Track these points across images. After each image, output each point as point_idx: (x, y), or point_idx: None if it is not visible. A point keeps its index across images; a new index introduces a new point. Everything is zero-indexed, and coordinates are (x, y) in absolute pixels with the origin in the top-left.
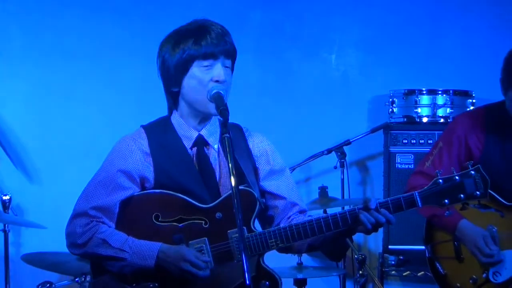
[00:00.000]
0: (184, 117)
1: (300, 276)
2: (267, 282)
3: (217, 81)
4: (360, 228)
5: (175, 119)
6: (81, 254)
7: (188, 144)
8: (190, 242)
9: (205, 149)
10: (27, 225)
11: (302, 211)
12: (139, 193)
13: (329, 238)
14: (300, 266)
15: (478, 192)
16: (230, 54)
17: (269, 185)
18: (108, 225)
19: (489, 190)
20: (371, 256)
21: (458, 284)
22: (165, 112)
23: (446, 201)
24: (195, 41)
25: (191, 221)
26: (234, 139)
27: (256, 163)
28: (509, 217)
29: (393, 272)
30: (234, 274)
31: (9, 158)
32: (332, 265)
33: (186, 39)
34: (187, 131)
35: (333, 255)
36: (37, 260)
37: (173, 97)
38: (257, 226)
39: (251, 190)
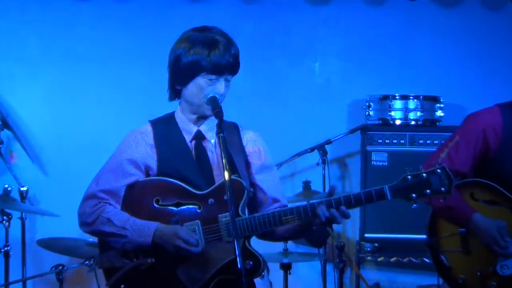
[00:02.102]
0: (185, 113)
1: (285, 260)
2: (251, 262)
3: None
4: (316, 221)
5: (178, 114)
6: (89, 231)
7: (188, 137)
8: (185, 223)
9: (203, 142)
10: (42, 213)
11: (283, 207)
12: (143, 179)
13: (296, 231)
14: (285, 251)
15: (443, 189)
16: (235, 70)
17: (258, 179)
18: (114, 206)
19: (498, 187)
20: (349, 244)
21: (463, 276)
22: (166, 112)
23: (413, 195)
24: (208, 54)
25: (187, 206)
26: (230, 135)
27: (249, 158)
28: None
29: (368, 258)
30: (223, 253)
31: (26, 153)
32: (314, 251)
33: (202, 48)
34: (187, 126)
35: (315, 242)
36: (51, 244)
37: (176, 92)
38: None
39: (240, 180)
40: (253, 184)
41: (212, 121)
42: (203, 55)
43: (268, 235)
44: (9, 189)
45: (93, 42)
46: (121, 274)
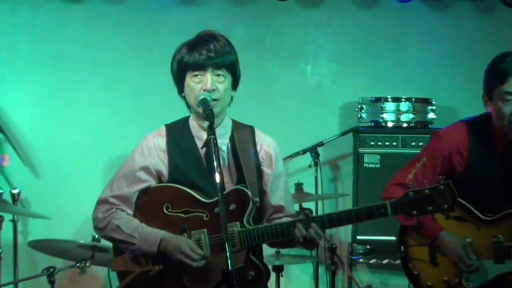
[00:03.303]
0: (195, 120)
1: (277, 263)
2: (253, 273)
3: (205, 90)
4: (295, 240)
5: (191, 120)
6: (101, 236)
7: (199, 144)
8: (192, 232)
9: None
10: (34, 216)
11: (288, 216)
12: (154, 185)
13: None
14: (277, 253)
15: (445, 205)
16: (220, 64)
17: (266, 186)
18: (126, 212)
19: (467, 204)
20: (341, 246)
21: (429, 283)
22: (158, 117)
23: (414, 212)
24: (187, 52)
25: (195, 213)
26: (244, 139)
27: (262, 165)
28: (484, 230)
29: (361, 260)
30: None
31: (18, 156)
32: (307, 253)
33: (183, 49)
34: (199, 132)
35: (307, 244)
36: (42, 247)
37: (185, 100)
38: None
39: (246, 190)
40: (262, 191)
41: (223, 128)
42: (184, 54)
43: (277, 244)
44: (1, 191)
45: (84, 44)
46: (131, 278)
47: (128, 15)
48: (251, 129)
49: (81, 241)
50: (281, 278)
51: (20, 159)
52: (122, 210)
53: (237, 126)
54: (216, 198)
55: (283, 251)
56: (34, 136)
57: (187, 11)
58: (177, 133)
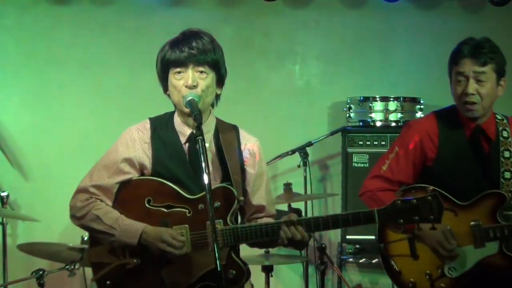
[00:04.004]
0: (179, 116)
1: (267, 263)
2: (234, 272)
3: (187, 86)
4: (279, 241)
5: (176, 116)
6: (79, 225)
7: (183, 139)
8: (173, 227)
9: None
10: (23, 218)
11: (269, 216)
12: (136, 177)
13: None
14: (267, 253)
15: (432, 217)
16: (202, 61)
17: (248, 186)
18: (105, 202)
19: (442, 191)
20: (331, 245)
21: (412, 280)
22: (146, 117)
23: (401, 220)
24: (169, 50)
25: (177, 209)
26: (228, 138)
27: (245, 165)
28: (462, 216)
29: (350, 259)
30: (207, 260)
31: (6, 158)
32: (296, 253)
33: (166, 47)
34: (182, 128)
35: (292, 245)
36: (31, 249)
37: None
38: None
39: (231, 188)
40: (244, 191)
41: (207, 126)
42: (167, 51)
43: (257, 244)
44: None
45: (72, 46)
46: (107, 270)
47: (116, 17)
48: (235, 129)
49: (71, 244)
50: (270, 278)
51: (8, 162)
52: (102, 201)
53: (221, 124)
54: (200, 194)
55: (273, 250)
56: (22, 138)
57: (175, 12)
58: (161, 127)
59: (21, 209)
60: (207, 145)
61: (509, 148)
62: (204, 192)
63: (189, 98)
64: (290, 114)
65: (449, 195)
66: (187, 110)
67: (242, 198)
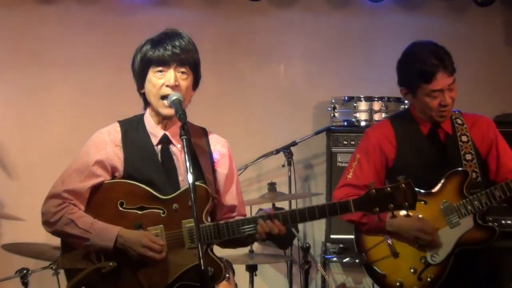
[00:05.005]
0: (153, 116)
1: (251, 262)
2: (212, 269)
3: (168, 85)
4: (256, 236)
5: (147, 117)
6: (52, 231)
7: (154, 141)
8: (148, 228)
9: (170, 147)
10: (7, 217)
11: (241, 215)
12: (108, 181)
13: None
14: (251, 253)
15: (406, 203)
16: (184, 61)
17: (220, 186)
18: (78, 207)
19: None
20: (315, 245)
21: (399, 279)
22: (131, 115)
23: (376, 209)
24: (151, 48)
25: (151, 210)
26: (198, 140)
27: (215, 165)
28: (431, 202)
29: (334, 259)
30: (184, 259)
31: None
32: (280, 252)
33: (147, 45)
34: (154, 129)
35: (280, 243)
36: (16, 249)
37: (143, 98)
38: None
39: (206, 186)
40: (216, 192)
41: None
42: (148, 49)
43: (230, 243)
44: None
45: (57, 45)
46: (82, 276)
47: (100, 15)
48: (204, 131)
49: (55, 244)
50: (255, 278)
51: None
52: (75, 205)
53: (191, 126)
54: (174, 194)
55: (257, 250)
56: (7, 137)
57: (159, 11)
58: (132, 129)
59: (6, 208)
60: (179, 145)
61: (466, 133)
62: (178, 192)
63: (174, 97)
64: (274, 113)
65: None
66: (166, 111)
67: (216, 195)
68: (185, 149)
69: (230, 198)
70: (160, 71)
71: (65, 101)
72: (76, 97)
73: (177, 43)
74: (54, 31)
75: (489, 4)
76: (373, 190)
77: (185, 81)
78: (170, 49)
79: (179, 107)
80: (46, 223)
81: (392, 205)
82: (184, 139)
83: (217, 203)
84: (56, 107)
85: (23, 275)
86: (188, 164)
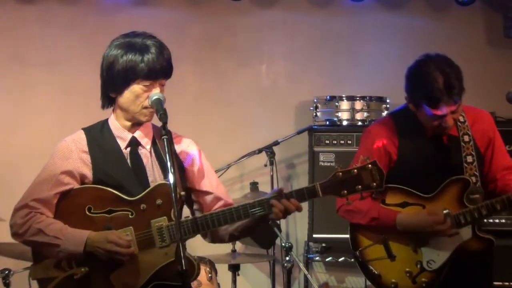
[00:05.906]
0: (120, 120)
1: (233, 261)
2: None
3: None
4: (271, 216)
5: (112, 121)
6: (22, 242)
7: (122, 144)
8: (118, 230)
9: (138, 149)
10: None
11: (227, 205)
12: (76, 188)
13: (245, 227)
14: (234, 252)
15: (374, 184)
16: (168, 74)
17: (196, 183)
18: (46, 214)
19: (406, 188)
20: (297, 244)
21: (393, 280)
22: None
23: (345, 191)
24: (142, 59)
25: (119, 212)
26: (163, 141)
27: (184, 163)
28: (430, 208)
29: (317, 258)
30: (156, 258)
31: None
32: (263, 252)
33: (135, 54)
34: (121, 133)
35: (263, 243)
36: None
37: (109, 100)
38: None
39: (169, 184)
40: (189, 189)
41: (147, 127)
42: (137, 61)
43: (209, 237)
44: None
45: (39, 45)
46: (55, 284)
47: (82, 15)
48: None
49: None
50: (237, 277)
51: None
52: (42, 213)
53: (155, 130)
54: (141, 195)
55: (239, 249)
56: None
57: (141, 11)
58: (97, 134)
59: None
60: (148, 146)
61: (467, 132)
62: (144, 192)
63: (155, 97)
64: (256, 113)
65: (413, 190)
66: (146, 118)
67: (183, 193)
68: (167, 149)
69: (207, 188)
70: (146, 85)
71: (47, 101)
72: (58, 97)
73: (165, 55)
74: (35, 31)
75: (470, 3)
76: (340, 173)
77: (163, 92)
78: (161, 62)
79: (160, 107)
80: (15, 235)
81: (360, 186)
82: (165, 139)
83: (195, 200)
84: (37, 107)
85: (5, 275)
86: (169, 163)
